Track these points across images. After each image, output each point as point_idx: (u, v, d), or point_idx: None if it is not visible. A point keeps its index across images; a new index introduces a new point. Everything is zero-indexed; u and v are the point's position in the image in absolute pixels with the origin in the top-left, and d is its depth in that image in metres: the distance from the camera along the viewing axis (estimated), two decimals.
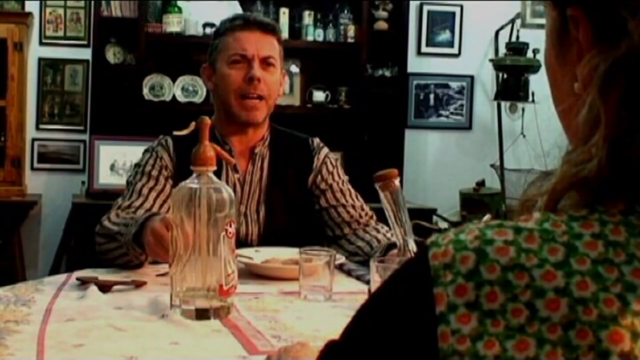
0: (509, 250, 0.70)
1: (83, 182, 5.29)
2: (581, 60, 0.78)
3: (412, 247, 1.86)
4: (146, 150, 2.55)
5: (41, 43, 5.49)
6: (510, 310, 0.68)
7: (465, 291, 0.69)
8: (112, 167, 5.09)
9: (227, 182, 2.46)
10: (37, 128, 5.48)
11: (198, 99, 5.38)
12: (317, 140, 2.68)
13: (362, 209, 2.59)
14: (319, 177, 2.60)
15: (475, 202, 5.60)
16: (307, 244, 2.15)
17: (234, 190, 2.44)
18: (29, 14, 5.33)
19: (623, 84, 0.72)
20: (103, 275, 2.10)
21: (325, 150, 2.66)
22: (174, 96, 5.35)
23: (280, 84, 2.58)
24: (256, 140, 2.57)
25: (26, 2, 5.42)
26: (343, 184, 2.62)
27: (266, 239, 2.49)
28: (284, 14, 5.43)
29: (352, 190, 2.63)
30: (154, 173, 2.48)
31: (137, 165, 2.54)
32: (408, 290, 0.74)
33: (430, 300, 0.71)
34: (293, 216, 2.55)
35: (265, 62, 2.50)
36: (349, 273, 2.28)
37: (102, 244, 2.28)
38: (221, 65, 2.52)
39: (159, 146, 2.53)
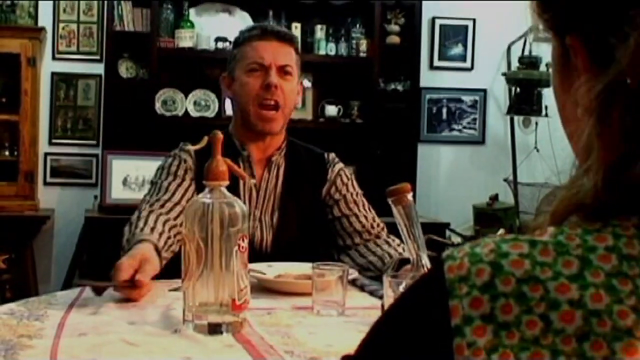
0: (524, 263, 0.70)
1: (95, 197, 5.31)
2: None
3: (425, 261, 1.85)
4: (169, 156, 2.57)
5: (54, 58, 5.52)
6: (525, 322, 0.68)
7: (481, 304, 0.70)
8: (125, 182, 5.11)
9: (243, 186, 2.50)
10: (50, 143, 5.51)
11: (210, 113, 5.39)
12: (332, 155, 2.72)
13: (374, 220, 2.62)
14: (333, 187, 2.63)
15: (489, 217, 5.58)
16: (317, 253, 2.15)
17: (250, 195, 2.52)
18: (42, 29, 5.36)
19: (614, 108, 0.73)
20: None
21: (340, 164, 2.71)
22: (186, 110, 5.37)
23: (297, 93, 2.62)
24: (273, 149, 2.61)
25: (39, 17, 5.46)
26: (357, 195, 2.65)
27: (279, 246, 2.52)
28: (296, 28, 5.45)
29: (366, 202, 2.66)
30: (180, 172, 2.50)
31: (160, 167, 2.55)
32: (423, 303, 0.75)
33: (445, 313, 0.71)
34: (305, 225, 2.58)
35: (283, 71, 2.54)
36: (362, 288, 2.27)
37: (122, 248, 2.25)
38: (240, 73, 2.56)
39: (182, 151, 2.55)
